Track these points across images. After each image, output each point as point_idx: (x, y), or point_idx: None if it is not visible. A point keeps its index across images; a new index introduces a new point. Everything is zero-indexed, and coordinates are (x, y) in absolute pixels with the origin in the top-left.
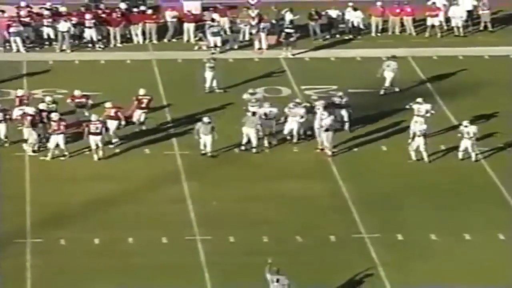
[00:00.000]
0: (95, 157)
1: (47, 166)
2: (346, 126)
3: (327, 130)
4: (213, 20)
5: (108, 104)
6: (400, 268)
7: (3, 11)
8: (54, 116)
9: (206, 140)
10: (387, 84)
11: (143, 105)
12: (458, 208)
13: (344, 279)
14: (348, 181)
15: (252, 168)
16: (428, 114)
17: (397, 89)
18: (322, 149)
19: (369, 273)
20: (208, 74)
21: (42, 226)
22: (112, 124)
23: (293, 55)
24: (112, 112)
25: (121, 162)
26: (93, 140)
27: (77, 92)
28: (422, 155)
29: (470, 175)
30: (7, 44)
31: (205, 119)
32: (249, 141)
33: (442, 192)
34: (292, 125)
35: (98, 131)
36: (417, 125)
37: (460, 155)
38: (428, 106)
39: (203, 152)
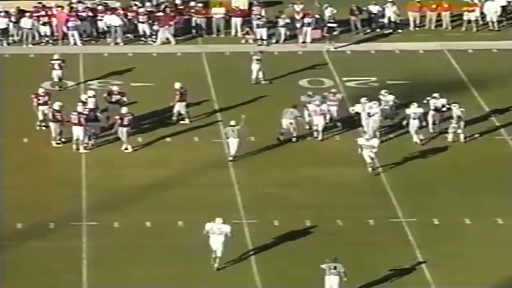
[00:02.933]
0: (129, 148)
1: (102, 153)
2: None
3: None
4: (260, 13)
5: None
6: (436, 251)
7: (62, 7)
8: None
9: (232, 143)
10: None
11: (184, 97)
12: (490, 193)
13: (382, 261)
14: (386, 167)
15: (294, 155)
16: (444, 108)
17: None
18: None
19: (406, 256)
20: (255, 66)
21: (97, 209)
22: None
23: (336, 48)
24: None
25: (172, 149)
26: (123, 132)
27: (115, 88)
28: (413, 137)
29: (502, 161)
30: (65, 37)
31: (232, 123)
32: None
33: (476, 177)
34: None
35: (129, 123)
36: (412, 108)
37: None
38: (443, 101)
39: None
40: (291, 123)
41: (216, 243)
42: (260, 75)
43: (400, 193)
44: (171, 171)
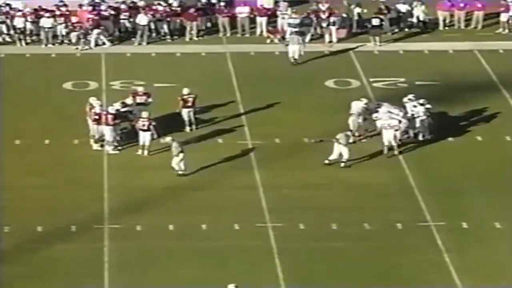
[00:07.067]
0: (140, 152)
1: (125, 155)
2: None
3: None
4: (286, 12)
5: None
6: (465, 255)
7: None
8: (110, 109)
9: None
10: None
11: (189, 104)
12: None
13: (410, 265)
14: (414, 170)
15: (320, 156)
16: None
17: None
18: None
19: (435, 260)
20: (291, 47)
21: (119, 212)
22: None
23: (380, 45)
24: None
25: (196, 151)
26: (142, 136)
27: (140, 89)
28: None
29: None
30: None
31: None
32: None
33: (506, 180)
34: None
35: (145, 128)
36: (420, 108)
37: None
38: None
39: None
40: None
41: (388, 136)
42: (296, 55)
43: (428, 195)
44: (195, 173)
